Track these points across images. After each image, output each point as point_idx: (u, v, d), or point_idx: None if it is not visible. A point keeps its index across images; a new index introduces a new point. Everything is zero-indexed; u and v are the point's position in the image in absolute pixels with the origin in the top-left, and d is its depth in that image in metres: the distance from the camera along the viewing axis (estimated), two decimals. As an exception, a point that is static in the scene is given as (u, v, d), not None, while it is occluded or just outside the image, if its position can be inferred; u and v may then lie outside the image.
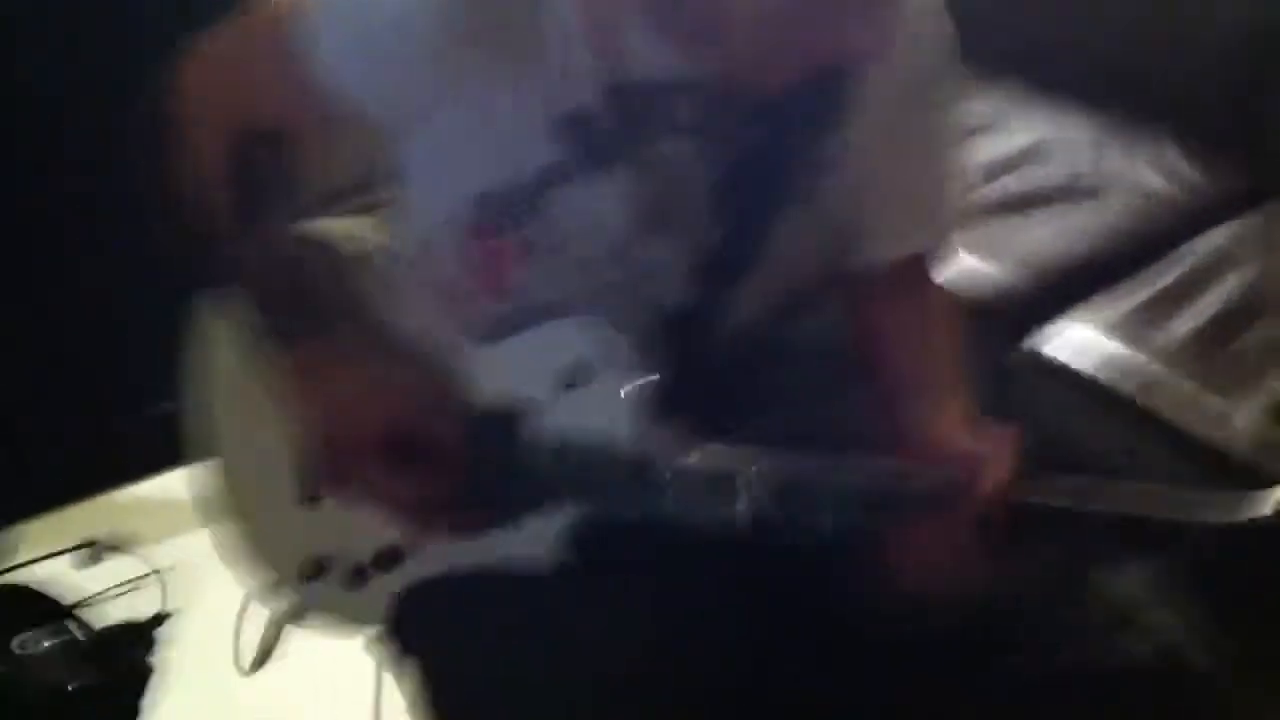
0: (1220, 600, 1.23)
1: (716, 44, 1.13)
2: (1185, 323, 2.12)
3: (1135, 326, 2.12)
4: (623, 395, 1.21)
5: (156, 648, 2.34)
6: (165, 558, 2.50)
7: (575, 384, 1.23)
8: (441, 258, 1.28)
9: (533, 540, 1.26)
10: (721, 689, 1.28)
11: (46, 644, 2.27)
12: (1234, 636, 1.29)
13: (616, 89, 1.18)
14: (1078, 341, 2.13)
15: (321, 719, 2.09)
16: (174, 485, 2.65)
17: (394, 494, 1.25)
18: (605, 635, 1.25)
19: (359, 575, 1.37)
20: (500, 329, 1.28)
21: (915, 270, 1.40)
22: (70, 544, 2.53)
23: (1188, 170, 2.49)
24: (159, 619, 2.39)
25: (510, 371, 1.27)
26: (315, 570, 1.39)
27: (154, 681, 2.27)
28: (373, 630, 1.41)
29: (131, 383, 2.19)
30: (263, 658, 1.51)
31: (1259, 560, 1.01)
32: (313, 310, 1.27)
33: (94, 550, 2.53)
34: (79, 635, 2.29)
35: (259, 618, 1.48)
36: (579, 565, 1.26)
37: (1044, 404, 2.14)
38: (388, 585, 1.36)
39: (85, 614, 2.35)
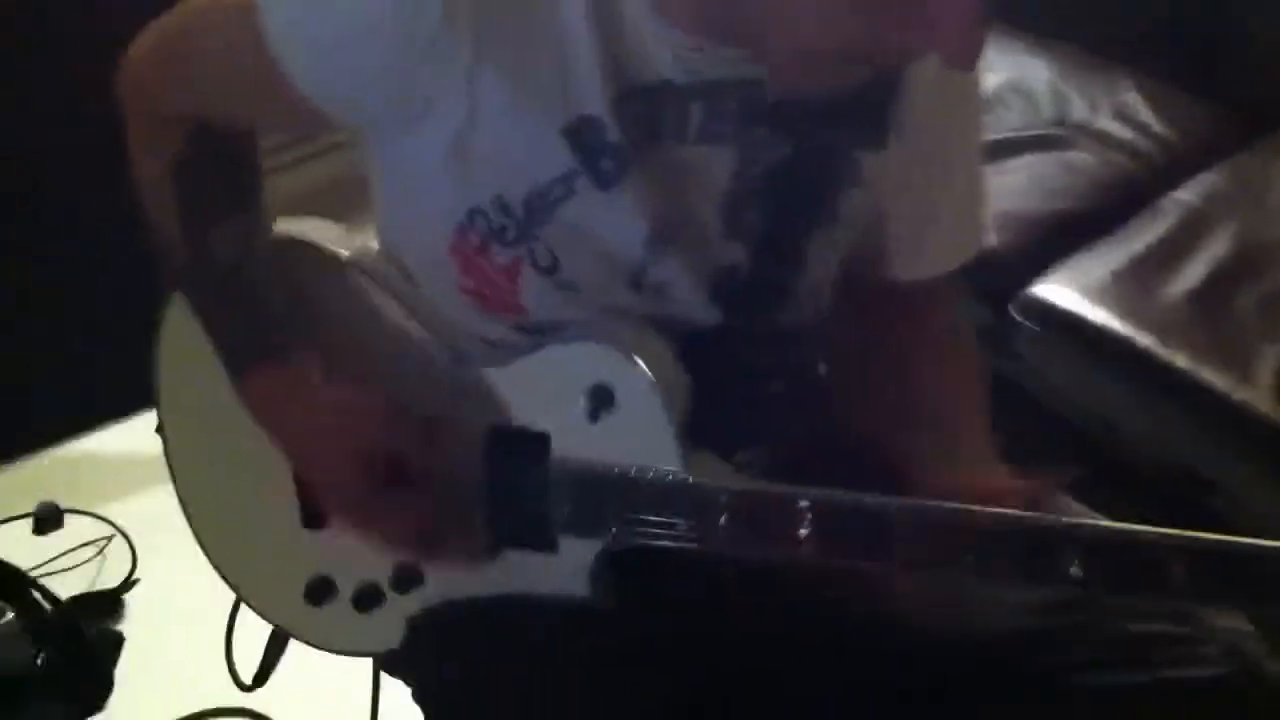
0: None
1: (749, 41, 0.98)
2: (1178, 284, 2.01)
3: (1125, 289, 2.00)
4: (653, 420, 1.06)
5: (126, 615, 2.19)
6: (130, 517, 2.32)
7: (598, 409, 1.08)
8: (439, 269, 1.11)
9: (564, 569, 1.11)
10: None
11: (8, 616, 2.09)
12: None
13: (625, 95, 1.01)
14: (1070, 300, 2.01)
15: (305, 698, 1.96)
16: (135, 437, 2.51)
17: (390, 523, 1.12)
18: (633, 673, 1.13)
19: (372, 596, 1.21)
20: (513, 349, 1.13)
21: (943, 289, 1.25)
22: (26, 507, 2.32)
23: (1152, 118, 2.36)
24: (128, 584, 2.23)
25: (525, 394, 1.11)
26: (323, 591, 1.23)
27: (126, 650, 2.12)
28: (382, 652, 1.26)
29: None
30: (264, 674, 1.35)
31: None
32: (274, 324, 1.13)
33: (54, 513, 2.32)
34: (45, 605, 2.11)
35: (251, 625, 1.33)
36: (613, 598, 1.12)
37: (1045, 363, 2.04)
38: (403, 608, 1.20)
39: (48, 583, 2.13)
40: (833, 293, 1.21)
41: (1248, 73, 2.40)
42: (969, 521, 0.97)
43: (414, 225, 1.13)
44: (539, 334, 1.11)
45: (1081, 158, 2.28)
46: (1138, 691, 1.10)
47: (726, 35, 0.98)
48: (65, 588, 2.17)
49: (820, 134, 1.08)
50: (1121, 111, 2.37)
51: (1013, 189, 2.21)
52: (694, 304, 1.11)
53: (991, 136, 2.29)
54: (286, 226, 1.21)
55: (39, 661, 2.04)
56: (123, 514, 2.34)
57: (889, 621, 1.13)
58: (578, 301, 1.09)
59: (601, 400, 1.07)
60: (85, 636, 2.09)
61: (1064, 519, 0.96)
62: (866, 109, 1.08)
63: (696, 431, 1.08)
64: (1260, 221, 2.13)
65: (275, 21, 1.00)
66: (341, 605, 1.23)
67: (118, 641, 2.13)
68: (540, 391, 1.10)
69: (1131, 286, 2.02)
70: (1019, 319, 2.05)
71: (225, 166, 1.14)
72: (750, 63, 0.99)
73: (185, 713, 2.02)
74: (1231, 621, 1.14)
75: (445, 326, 1.15)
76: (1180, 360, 1.89)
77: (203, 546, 1.32)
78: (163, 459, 1.32)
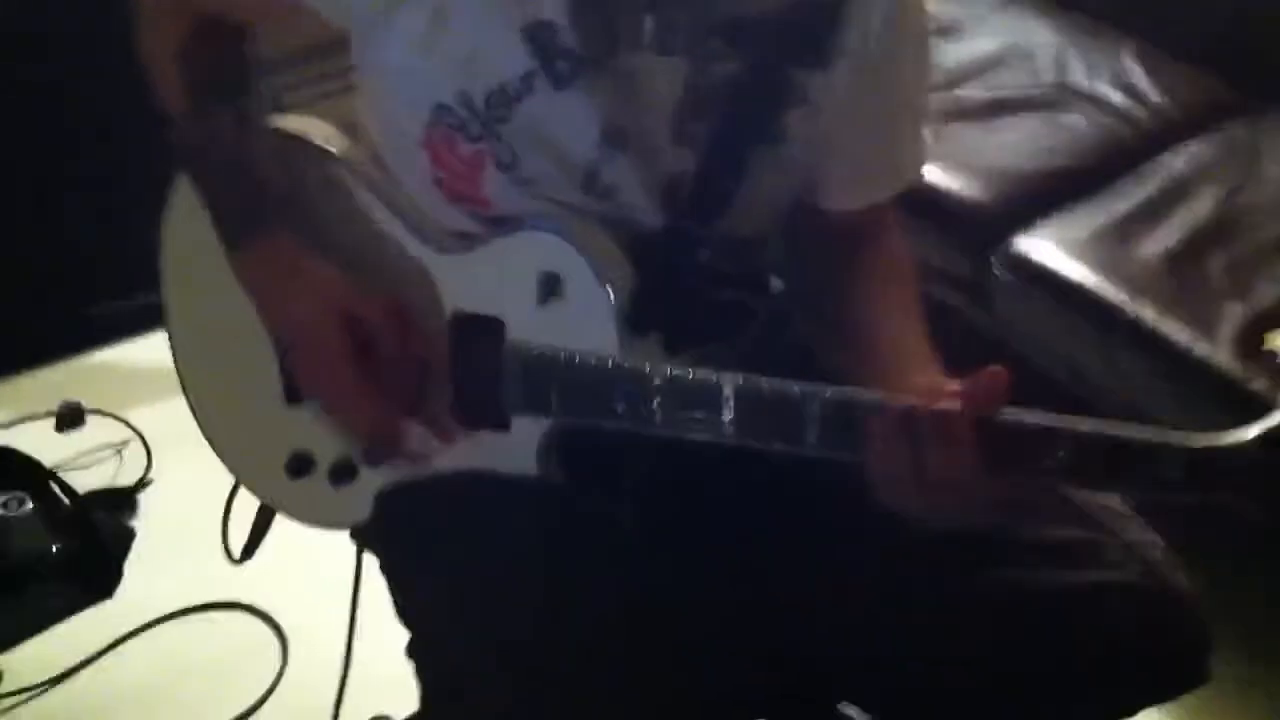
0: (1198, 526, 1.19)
1: None
2: (1155, 244, 2.07)
3: (1103, 246, 2.07)
4: (597, 309, 1.15)
5: (138, 512, 2.31)
6: (149, 423, 2.44)
7: (547, 296, 1.16)
8: (412, 161, 1.21)
9: (518, 446, 1.20)
10: (699, 606, 1.23)
11: (30, 505, 2.21)
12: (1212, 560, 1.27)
13: (582, 2, 1.11)
14: (1048, 254, 2.09)
15: (299, 593, 2.08)
16: (155, 348, 2.61)
17: (362, 397, 1.20)
18: (583, 547, 1.21)
19: (346, 472, 1.30)
20: (475, 237, 1.21)
21: (881, 216, 1.33)
22: (52, 406, 2.46)
23: (1149, 86, 2.41)
24: (141, 484, 2.35)
25: (483, 280, 1.20)
26: (301, 466, 1.32)
27: (136, 545, 2.24)
28: (355, 525, 1.36)
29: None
30: (251, 547, 1.45)
31: (1239, 486, 0.97)
32: (268, 202, 1.22)
33: (76, 412, 2.46)
34: (62, 498, 2.23)
35: (245, 502, 1.43)
36: (561, 474, 1.21)
37: (1019, 313, 2.11)
38: (374, 482, 1.29)
39: (68, 477, 2.27)
40: (785, 212, 1.29)
41: (1246, 46, 2.44)
42: (876, 406, 1.04)
43: (390, 120, 1.22)
44: (499, 225, 1.20)
45: (1075, 120, 2.34)
46: (1048, 594, 1.17)
47: None
48: (83, 483, 2.30)
49: (766, 51, 1.15)
50: (1119, 78, 2.42)
51: (1004, 145, 2.28)
52: (641, 207, 1.19)
53: (989, 95, 2.37)
54: (284, 122, 1.30)
55: (55, 549, 2.16)
56: (142, 419, 2.46)
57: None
58: (534, 196, 1.18)
59: (550, 288, 1.16)
60: (98, 528, 2.21)
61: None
62: (810, 29, 1.15)
63: (641, 326, 1.16)
64: (1243, 189, 2.19)
65: None
66: (318, 479, 1.32)
67: (129, 535, 2.25)
68: (496, 278, 1.19)
69: (1109, 244, 2.09)
70: (997, 271, 2.12)
71: (223, 56, 1.24)
72: None
73: (187, 604, 2.14)
74: (1143, 534, 1.22)
75: (417, 218, 1.24)
76: (1147, 313, 1.96)
77: (198, 421, 1.41)
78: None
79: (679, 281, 1.21)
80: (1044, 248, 2.10)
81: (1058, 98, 2.38)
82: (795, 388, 1.07)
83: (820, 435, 1.06)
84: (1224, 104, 2.41)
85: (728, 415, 1.09)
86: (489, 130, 1.15)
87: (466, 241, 1.22)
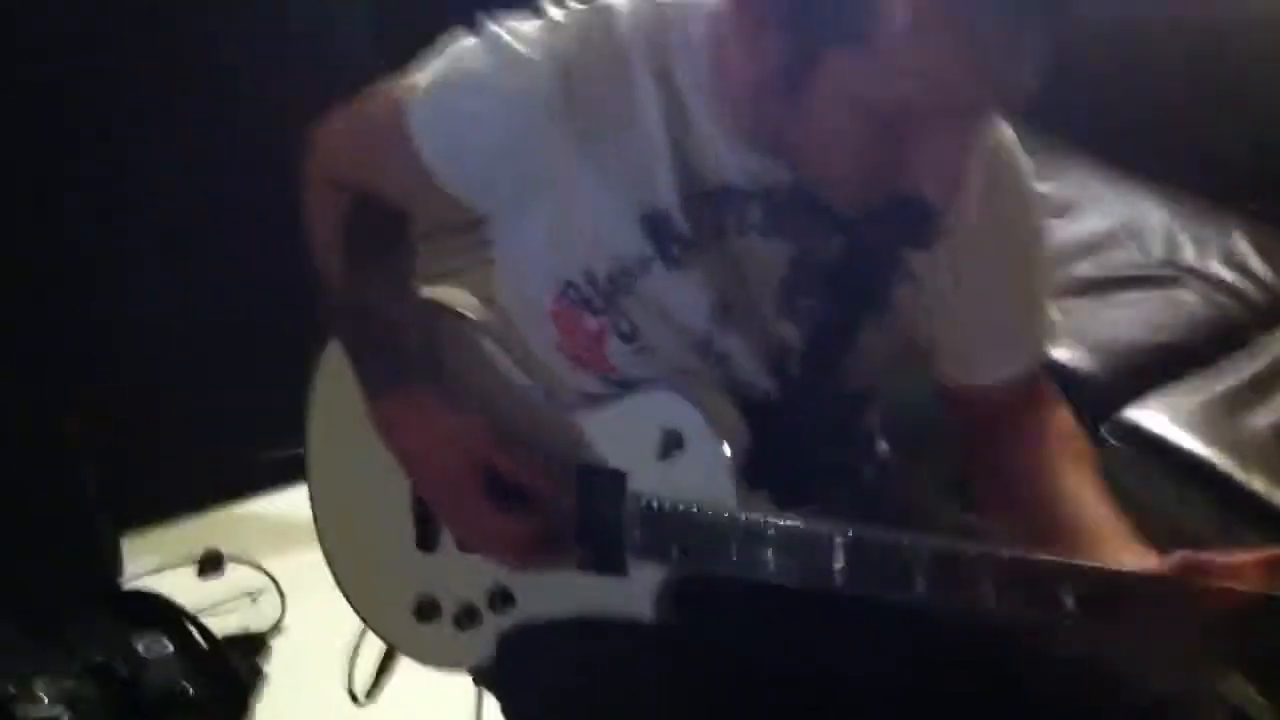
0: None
1: (793, 160, 1.14)
2: (1265, 417, 2.09)
3: (1213, 417, 2.09)
4: (714, 463, 1.22)
5: (270, 656, 2.40)
6: (284, 571, 2.55)
7: (669, 451, 1.24)
8: (542, 330, 1.30)
9: (634, 592, 1.27)
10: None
11: (169, 647, 2.32)
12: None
13: (692, 195, 1.19)
14: (1158, 423, 2.11)
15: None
16: (294, 502, 2.73)
17: (489, 536, 1.29)
18: (696, 692, 1.26)
19: (470, 615, 1.38)
20: (602, 398, 1.30)
21: (1030, 392, 1.38)
22: (195, 553, 2.58)
23: (1259, 263, 2.45)
24: (275, 629, 2.45)
25: (608, 435, 1.29)
26: (428, 610, 1.41)
27: (265, 687, 2.32)
28: (478, 667, 1.43)
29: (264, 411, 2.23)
30: (375, 688, 1.53)
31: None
32: (412, 359, 1.32)
33: (216, 559, 2.58)
34: (200, 640, 2.34)
35: (371, 646, 1.51)
36: (677, 621, 1.27)
37: (1131, 482, 2.12)
38: (497, 625, 1.37)
39: (207, 621, 2.38)
40: (891, 372, 1.35)
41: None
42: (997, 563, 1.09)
43: (522, 293, 1.32)
44: (625, 388, 1.29)
45: (1186, 296, 2.37)
46: None
47: (774, 149, 1.15)
48: (220, 627, 2.40)
49: (868, 235, 1.22)
50: (1230, 256, 2.46)
51: (1117, 321, 2.31)
52: (752, 373, 1.27)
53: (1102, 273, 2.42)
54: (431, 291, 1.42)
55: (190, 690, 2.25)
56: (278, 567, 2.57)
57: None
58: (655, 363, 1.27)
59: (671, 443, 1.24)
60: (231, 670, 2.31)
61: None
62: (911, 214, 1.17)
63: (754, 482, 1.23)
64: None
65: (419, 119, 1.24)
66: (444, 622, 1.41)
67: (260, 677, 2.34)
68: (621, 434, 1.27)
69: (1218, 415, 2.10)
70: (1109, 440, 2.14)
71: (382, 230, 1.36)
72: (795, 174, 1.16)
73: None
74: (1237, 686, 1.26)
75: (547, 378, 1.33)
76: (1257, 484, 1.97)
77: (331, 566, 1.51)
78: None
79: (789, 441, 1.27)
80: (1155, 418, 2.12)
81: (1170, 275, 2.42)
82: (904, 539, 1.13)
83: (929, 587, 1.12)
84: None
85: (838, 564, 1.15)
86: (611, 304, 1.24)
87: (594, 400, 1.30)
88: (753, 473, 1.23)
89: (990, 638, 1.21)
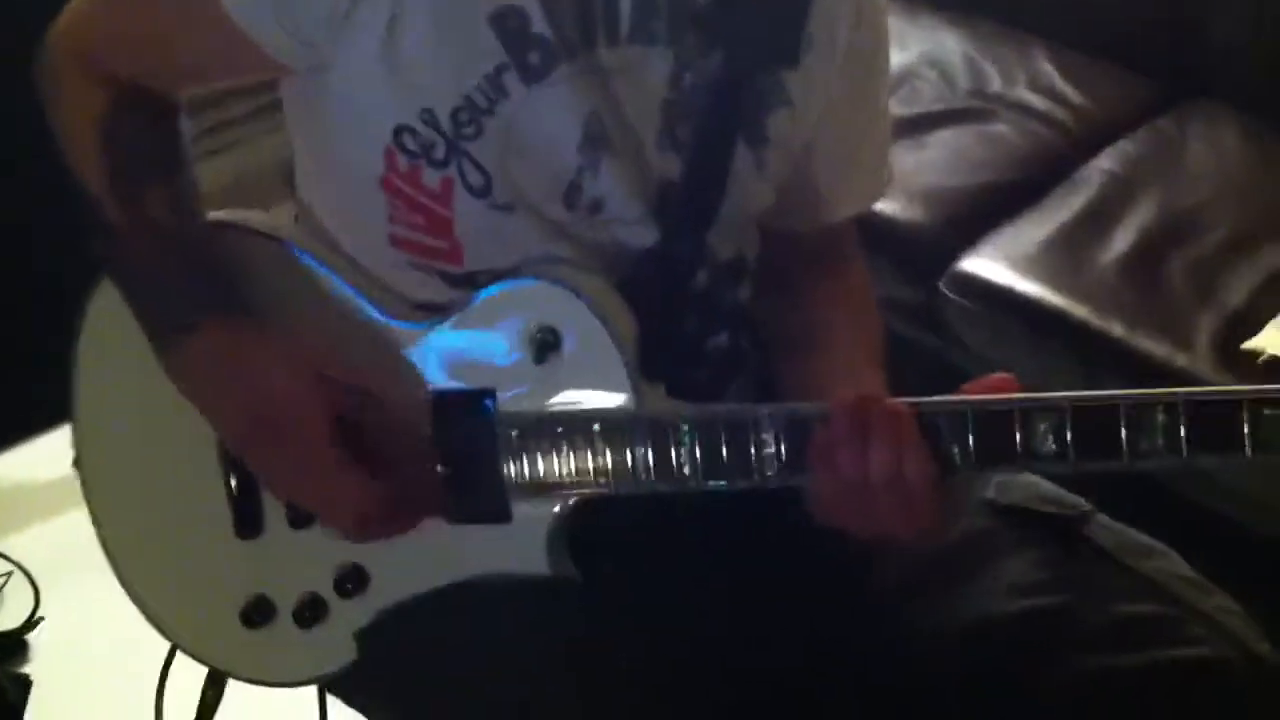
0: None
1: None
2: (1107, 252, 2.00)
3: (1054, 259, 2.00)
4: (603, 357, 1.02)
5: (31, 656, 2.07)
6: (29, 552, 2.19)
7: (544, 353, 1.03)
8: (369, 216, 1.10)
9: (522, 542, 1.06)
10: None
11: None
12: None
13: None
14: (998, 273, 2.00)
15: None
16: (30, 463, 2.40)
17: (345, 495, 1.05)
18: (611, 655, 1.07)
19: (315, 608, 1.13)
20: (447, 306, 1.09)
21: (845, 236, 1.29)
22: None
23: (1067, 87, 2.36)
24: (30, 624, 2.10)
25: (465, 350, 1.07)
26: (259, 613, 1.15)
27: (34, 695, 1.98)
28: (331, 674, 1.17)
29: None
30: (204, 721, 1.27)
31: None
32: (207, 291, 1.08)
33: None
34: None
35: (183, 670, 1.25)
36: (572, 571, 1.07)
37: (978, 338, 2.01)
38: (352, 619, 1.12)
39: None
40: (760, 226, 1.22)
41: (1159, 39, 2.41)
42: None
43: (343, 164, 1.11)
44: (472, 285, 1.08)
45: (1000, 129, 2.28)
46: (1130, 675, 1.08)
47: None
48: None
49: (741, 43, 1.09)
50: (1037, 81, 2.37)
51: (934, 164, 2.21)
52: (631, 221, 1.09)
53: (909, 111, 2.29)
54: (216, 215, 1.15)
55: (-60, 712, 1.92)
56: (21, 548, 2.21)
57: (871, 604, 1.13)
58: (512, 227, 1.07)
59: (546, 342, 1.03)
60: (-9, 687, 1.97)
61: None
62: (778, 19, 1.11)
63: (648, 374, 1.04)
64: (1180, 187, 2.15)
65: None
66: (282, 624, 1.15)
67: (25, 685, 2.01)
68: (481, 343, 1.06)
69: (1060, 257, 2.02)
70: (949, 295, 2.04)
71: (152, 130, 1.12)
72: None
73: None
74: (1218, 601, 1.13)
75: (378, 292, 1.11)
76: (1116, 329, 1.90)
77: (126, 585, 1.22)
78: (62, 485, 1.25)
79: (676, 319, 1.12)
80: (995, 268, 2.03)
81: (979, 107, 2.33)
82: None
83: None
84: (1143, 100, 2.37)
85: (769, 449, 0.99)
86: (456, 150, 1.04)
87: (439, 312, 1.09)
88: (644, 362, 1.04)
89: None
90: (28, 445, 2.27)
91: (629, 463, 1.01)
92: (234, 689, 1.26)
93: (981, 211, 2.11)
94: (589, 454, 1.02)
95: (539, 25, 1.03)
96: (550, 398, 1.03)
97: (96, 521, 1.23)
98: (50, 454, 2.16)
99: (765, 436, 0.99)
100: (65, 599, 2.12)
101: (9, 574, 2.18)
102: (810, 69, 1.13)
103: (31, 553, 2.19)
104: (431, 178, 1.06)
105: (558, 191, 1.07)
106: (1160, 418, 0.90)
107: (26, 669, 2.04)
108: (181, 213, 1.10)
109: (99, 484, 1.22)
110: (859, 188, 1.27)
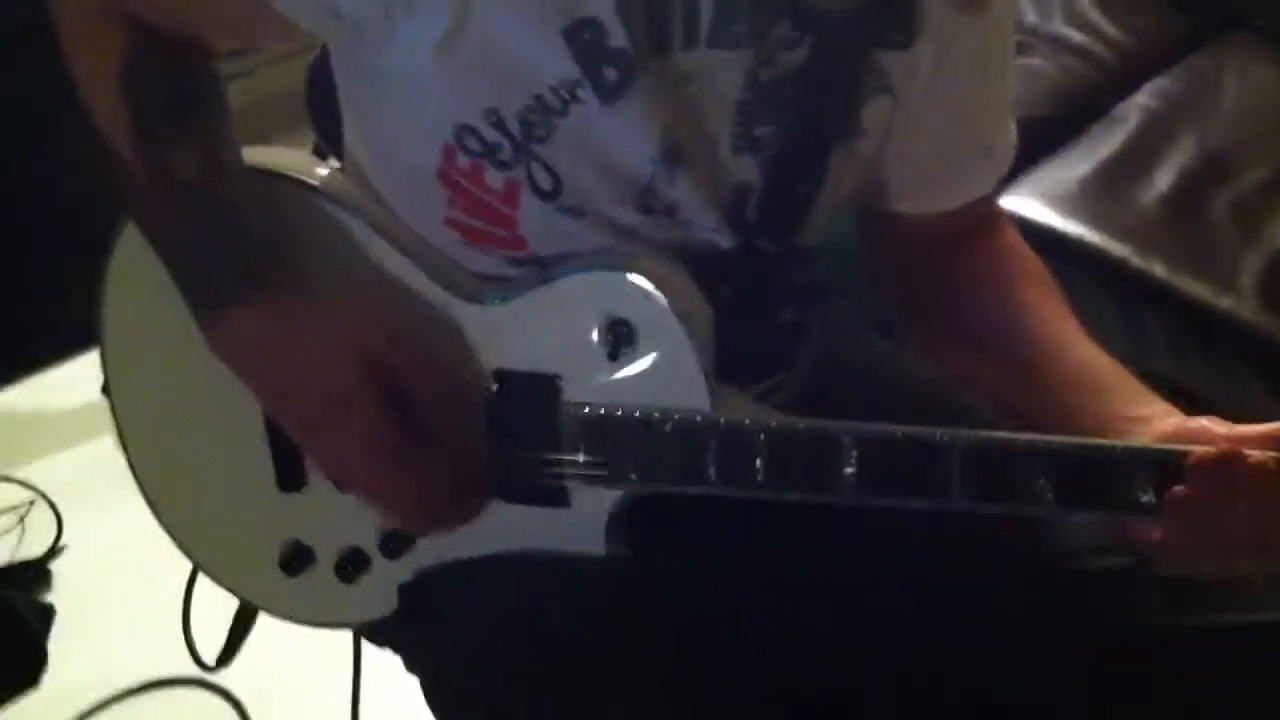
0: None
1: None
2: (1148, 190, 1.95)
3: (1094, 197, 1.94)
4: (679, 356, 0.97)
5: (54, 585, 2.05)
6: (51, 480, 2.15)
7: (617, 347, 0.98)
8: (423, 199, 1.02)
9: (578, 524, 1.02)
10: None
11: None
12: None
13: None
14: (1038, 211, 1.94)
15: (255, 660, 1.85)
16: (51, 391, 2.35)
17: (393, 482, 0.99)
18: (657, 637, 1.04)
19: (356, 563, 1.10)
20: (519, 283, 1.02)
21: (986, 214, 1.18)
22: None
23: (1103, 20, 2.30)
24: (53, 552, 2.08)
25: (531, 332, 1.01)
26: (299, 561, 1.11)
27: (58, 623, 1.98)
28: (371, 622, 1.15)
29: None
30: (230, 652, 1.24)
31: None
32: (247, 257, 1.00)
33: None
34: (-36, 578, 1.98)
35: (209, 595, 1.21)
36: (629, 554, 1.03)
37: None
38: (394, 574, 1.09)
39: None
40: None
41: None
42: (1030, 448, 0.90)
43: (395, 148, 1.03)
44: (542, 265, 1.01)
45: (1038, 64, 2.21)
46: (1202, 637, 1.04)
47: None
48: (-15, 558, 2.04)
49: (843, 31, 0.99)
50: (1073, 15, 2.31)
51: None
52: (705, 226, 1.03)
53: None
54: (253, 154, 1.06)
55: (-35, 640, 1.91)
56: (43, 476, 2.18)
57: (942, 577, 1.07)
58: (581, 229, 1.00)
59: (620, 336, 0.97)
60: (11, 610, 1.96)
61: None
62: (891, 4, 1.01)
63: (725, 370, 0.99)
64: (1219, 124, 2.10)
65: None
66: (322, 574, 1.12)
67: (48, 613, 2.00)
68: (550, 328, 1.00)
69: (1100, 195, 1.97)
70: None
71: (182, 78, 1.01)
72: None
73: (126, 685, 1.90)
74: None
75: (434, 260, 1.04)
76: (1158, 269, 1.85)
77: (158, 515, 1.18)
78: (84, 412, 1.19)
79: (753, 312, 1.05)
80: (1033, 205, 1.96)
81: (1016, 40, 2.23)
82: (937, 434, 0.92)
83: (965, 487, 0.92)
84: (1179, 35, 2.31)
85: (849, 469, 0.93)
86: (524, 153, 0.96)
87: (503, 287, 1.02)
88: (720, 362, 0.99)
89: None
90: (49, 372, 2.24)
91: (699, 466, 0.97)
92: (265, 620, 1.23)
93: (1019, 149, 2.05)
94: (658, 452, 0.97)
95: (616, 38, 0.94)
96: (621, 392, 0.98)
97: (127, 451, 1.17)
98: (71, 381, 2.15)
99: (844, 455, 0.93)
100: (89, 527, 2.11)
101: (31, 502, 2.16)
102: (918, 52, 1.04)
103: (54, 481, 2.17)
104: (496, 178, 0.99)
105: (631, 197, 1.00)
106: None
107: (49, 598, 2.03)
108: (214, 170, 1.00)
109: (129, 415, 1.17)
110: (973, 173, 1.16)
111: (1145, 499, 0.90)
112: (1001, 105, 1.16)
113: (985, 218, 1.18)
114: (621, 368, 0.98)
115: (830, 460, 0.93)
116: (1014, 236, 1.19)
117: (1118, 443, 0.92)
